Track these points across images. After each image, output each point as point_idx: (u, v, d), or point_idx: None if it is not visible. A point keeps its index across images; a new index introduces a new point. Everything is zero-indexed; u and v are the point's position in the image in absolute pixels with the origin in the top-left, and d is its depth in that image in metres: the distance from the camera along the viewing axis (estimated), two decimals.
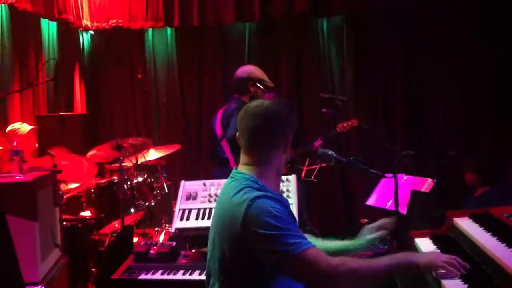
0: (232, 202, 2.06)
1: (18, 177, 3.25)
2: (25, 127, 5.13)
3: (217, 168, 4.55)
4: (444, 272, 2.03)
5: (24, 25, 5.95)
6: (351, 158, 2.68)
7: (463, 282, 1.99)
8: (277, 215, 1.97)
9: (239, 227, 1.99)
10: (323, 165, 5.60)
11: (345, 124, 5.51)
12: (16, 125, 5.15)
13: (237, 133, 2.22)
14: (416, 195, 4.12)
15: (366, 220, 5.57)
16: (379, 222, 2.51)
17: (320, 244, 2.45)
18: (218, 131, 4.51)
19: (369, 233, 2.50)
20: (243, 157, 2.21)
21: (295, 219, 2.13)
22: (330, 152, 2.60)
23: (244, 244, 1.99)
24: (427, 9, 6.29)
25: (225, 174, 4.12)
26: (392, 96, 6.72)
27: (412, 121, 6.65)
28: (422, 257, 2.03)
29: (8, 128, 5.13)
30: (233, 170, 2.24)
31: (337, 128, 5.53)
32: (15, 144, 3.41)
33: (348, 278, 1.94)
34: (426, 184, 4.34)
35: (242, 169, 2.18)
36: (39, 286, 3.13)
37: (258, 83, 4.43)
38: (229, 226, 2.04)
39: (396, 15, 6.47)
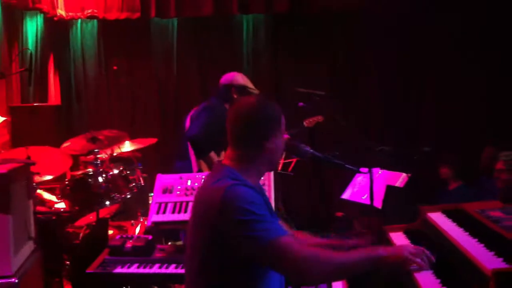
0: (210, 191, 2.08)
1: None
2: None
3: (180, 161, 4.56)
4: (415, 267, 2.07)
5: None
6: (327, 153, 2.70)
7: (435, 276, 2.03)
8: (253, 201, 1.99)
9: (215, 213, 2.00)
10: (298, 158, 5.64)
11: (311, 120, 5.59)
12: None
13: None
14: (391, 190, 4.17)
15: (341, 213, 5.65)
16: None
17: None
18: (187, 124, 4.54)
19: None
20: (228, 151, 2.22)
21: (272, 210, 2.14)
22: (306, 148, 2.62)
23: (219, 231, 2.00)
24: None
25: (187, 169, 4.17)
26: (369, 92, 6.79)
27: (388, 117, 6.72)
28: (390, 251, 2.06)
29: None
30: (216, 163, 2.26)
31: (304, 123, 5.59)
32: None
33: (319, 268, 1.97)
34: (401, 179, 4.41)
35: (226, 162, 2.20)
36: (13, 279, 3.09)
37: (241, 90, 4.44)
38: (206, 214, 2.06)
39: (370, 13, 6.53)
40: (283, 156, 5.78)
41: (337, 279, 2.46)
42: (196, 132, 4.30)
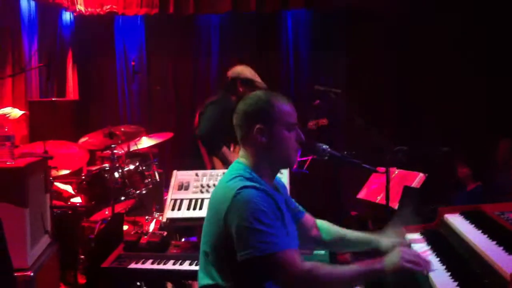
0: (223, 190, 2.07)
1: (9, 163, 3.23)
2: (16, 112, 5.08)
3: (192, 159, 4.55)
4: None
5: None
6: (345, 153, 2.68)
7: (453, 280, 2.00)
8: (261, 209, 1.96)
9: (224, 214, 2.00)
10: (315, 157, 5.61)
11: (315, 122, 5.58)
12: (6, 110, 5.09)
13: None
14: (408, 190, 4.14)
15: (356, 213, 5.62)
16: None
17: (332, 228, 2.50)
18: (196, 120, 4.53)
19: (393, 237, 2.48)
20: (241, 149, 2.21)
21: (282, 214, 2.10)
22: (324, 147, 2.61)
23: (225, 232, 2.00)
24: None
25: (200, 167, 4.14)
26: (386, 92, 6.75)
27: (405, 117, 6.68)
28: (387, 263, 2.02)
29: None
30: (235, 160, 2.24)
31: (308, 126, 5.58)
32: (6, 129, 3.38)
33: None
34: (417, 179, 4.37)
35: (240, 160, 2.19)
36: (29, 272, 3.12)
37: (248, 83, 4.41)
38: (216, 212, 2.05)
39: (392, 13, 6.49)
40: (298, 154, 5.77)
41: None
42: (204, 131, 4.27)
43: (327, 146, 2.62)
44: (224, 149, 4.25)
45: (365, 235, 2.51)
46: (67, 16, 6.66)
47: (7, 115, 5.01)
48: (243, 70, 4.50)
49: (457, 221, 2.59)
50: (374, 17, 6.56)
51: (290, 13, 6.91)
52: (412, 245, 2.56)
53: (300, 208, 2.50)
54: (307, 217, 2.50)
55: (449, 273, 2.05)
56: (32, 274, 3.13)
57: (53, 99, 6.09)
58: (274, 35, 6.99)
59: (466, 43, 6.39)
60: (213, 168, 4.29)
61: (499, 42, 6.22)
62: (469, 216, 2.61)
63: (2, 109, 5.14)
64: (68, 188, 5.15)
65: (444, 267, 2.13)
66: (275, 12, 6.75)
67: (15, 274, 2.96)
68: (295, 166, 2.30)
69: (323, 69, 6.79)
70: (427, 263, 2.07)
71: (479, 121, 6.35)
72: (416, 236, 2.70)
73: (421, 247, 2.49)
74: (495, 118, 6.24)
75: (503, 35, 6.18)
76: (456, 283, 1.97)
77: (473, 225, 2.46)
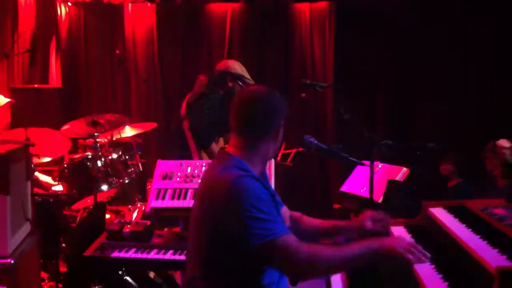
0: (216, 179, 2.06)
1: None
2: (1, 99, 5.00)
3: (179, 150, 4.52)
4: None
5: None
6: (332, 146, 2.68)
7: (437, 272, 2.01)
8: (259, 197, 1.98)
9: (221, 205, 1.99)
10: (299, 149, 5.61)
11: None
12: None
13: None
14: (392, 184, 4.16)
15: (339, 205, 5.64)
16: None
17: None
18: (183, 110, 4.50)
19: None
20: (233, 139, 2.20)
21: (277, 202, 2.13)
22: (311, 139, 2.60)
23: (223, 223, 2.00)
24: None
25: (186, 157, 4.13)
26: (375, 88, 6.79)
27: (394, 114, 6.74)
28: (384, 244, 2.03)
29: None
30: (219, 151, 2.25)
31: None
32: None
33: (318, 267, 1.99)
34: (401, 173, 4.39)
35: (230, 150, 2.18)
36: (9, 260, 3.07)
37: (237, 79, 4.39)
38: (211, 203, 2.05)
39: (385, 11, 6.53)
40: (282, 147, 5.76)
41: (335, 273, 2.48)
42: (199, 126, 4.27)
43: (314, 139, 2.61)
44: (213, 145, 4.28)
45: (338, 222, 2.53)
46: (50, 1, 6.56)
47: None
48: (234, 65, 4.49)
49: (441, 215, 2.61)
50: (366, 13, 6.58)
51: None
52: None
53: (279, 199, 2.51)
54: (284, 209, 2.51)
55: (433, 266, 2.07)
56: (12, 261, 3.07)
57: (36, 86, 6.00)
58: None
59: (455, 43, 6.45)
60: (200, 159, 4.28)
61: (489, 41, 6.31)
62: (453, 210, 2.64)
63: None
64: (49, 180, 5.09)
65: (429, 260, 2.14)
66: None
67: None
68: (278, 159, 2.32)
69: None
70: (425, 256, 2.04)
71: (466, 120, 6.43)
72: (400, 229, 2.71)
73: None
74: (483, 117, 6.35)
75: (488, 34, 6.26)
76: (440, 275, 1.98)
77: (457, 219, 2.48)
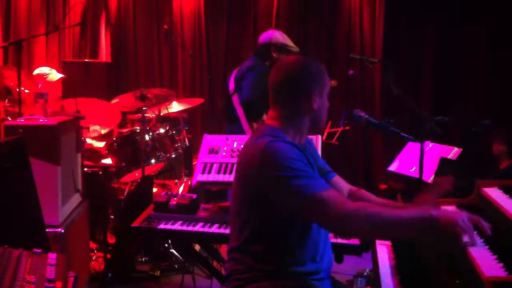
0: (250, 149, 2.06)
1: (42, 120, 3.23)
2: (54, 74, 5.08)
3: (230, 125, 4.51)
4: (467, 240, 1.95)
5: None
6: (382, 120, 2.61)
7: (491, 252, 1.93)
8: (291, 157, 1.95)
9: (255, 170, 1.98)
10: (346, 128, 5.53)
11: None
12: (45, 70, 5.09)
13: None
14: (445, 162, 4.04)
15: (385, 186, 5.53)
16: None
17: None
18: (231, 86, 4.47)
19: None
20: (270, 111, 2.18)
21: (312, 166, 2.06)
22: (361, 114, 2.54)
23: (260, 188, 1.99)
24: None
25: (237, 132, 4.12)
26: (423, 64, 6.61)
27: (443, 89, 6.54)
28: (443, 213, 1.91)
29: (36, 72, 5.08)
30: (259, 123, 2.24)
31: None
32: (40, 86, 3.39)
33: (366, 223, 1.88)
34: (453, 152, 4.25)
35: (268, 122, 2.17)
36: (59, 229, 3.15)
37: (281, 49, 4.32)
38: (246, 171, 2.05)
39: None
40: (328, 126, 5.68)
41: (384, 236, 2.37)
42: (248, 97, 4.24)
43: (364, 113, 2.55)
44: (265, 116, 4.25)
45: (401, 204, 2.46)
46: None
47: (45, 76, 5.01)
48: (276, 35, 4.42)
49: (495, 195, 2.51)
50: None
51: None
52: None
53: (329, 169, 2.45)
54: (341, 181, 2.44)
55: (487, 246, 1.99)
56: (62, 231, 3.16)
57: (86, 60, 6.10)
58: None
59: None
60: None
61: None
62: (509, 190, 2.53)
63: (40, 68, 5.15)
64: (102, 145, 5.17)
65: (482, 240, 2.06)
66: None
67: (47, 230, 2.98)
68: (324, 138, 2.28)
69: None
70: (485, 231, 1.93)
71: None
72: (452, 209, 2.62)
73: None
74: None
75: None
76: (495, 257, 1.90)
77: None
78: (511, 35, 6.17)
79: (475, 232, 1.95)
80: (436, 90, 6.61)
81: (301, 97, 2.10)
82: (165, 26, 6.15)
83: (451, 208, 2.63)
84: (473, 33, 6.41)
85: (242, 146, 3.41)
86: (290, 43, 4.40)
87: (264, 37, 4.45)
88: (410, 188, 4.68)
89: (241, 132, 4.29)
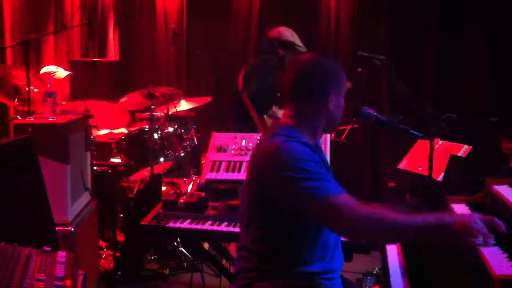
0: (263, 148, 2.05)
1: (51, 119, 3.25)
2: (61, 72, 5.10)
3: (238, 124, 4.52)
4: (480, 241, 1.94)
5: None
6: (391, 118, 2.60)
7: (502, 250, 1.92)
8: (303, 158, 1.93)
9: (266, 170, 1.98)
10: (354, 126, 5.51)
11: None
12: (52, 68, 5.11)
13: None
14: (454, 159, 4.01)
15: (394, 184, 5.51)
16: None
17: None
18: (240, 82, 4.47)
19: None
20: (284, 109, 2.17)
21: (328, 167, 2.06)
22: (370, 111, 2.52)
23: (270, 188, 1.97)
24: None
25: (246, 131, 4.13)
26: (426, 60, 6.58)
27: (446, 87, 6.51)
28: (457, 218, 1.93)
29: (43, 70, 5.09)
30: (273, 122, 2.22)
31: None
32: (49, 85, 3.40)
33: (379, 229, 1.88)
34: (463, 150, 4.23)
35: (283, 120, 2.15)
36: (69, 227, 3.17)
37: (288, 46, 4.30)
38: (258, 170, 2.04)
39: None
40: None
41: (396, 241, 2.37)
42: (256, 89, 4.25)
43: (373, 110, 2.53)
44: (275, 108, 4.27)
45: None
46: None
47: (52, 74, 5.03)
48: (283, 32, 4.39)
49: (506, 192, 2.49)
50: None
51: None
52: None
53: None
54: None
55: (498, 245, 1.97)
56: (72, 229, 3.17)
57: (94, 59, 6.11)
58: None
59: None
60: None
61: None
62: None
63: (47, 67, 5.17)
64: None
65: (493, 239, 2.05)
66: None
67: (56, 229, 3.00)
68: (333, 136, 2.27)
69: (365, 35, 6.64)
70: (501, 231, 1.94)
71: None
72: (462, 206, 2.61)
73: None
74: None
75: None
76: (506, 255, 1.89)
77: None
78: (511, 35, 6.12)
79: (490, 234, 1.93)
80: (437, 90, 6.56)
81: (318, 96, 2.08)
82: (173, 25, 6.14)
83: (461, 206, 2.62)
84: (473, 33, 6.37)
85: (250, 144, 3.45)
86: (298, 41, 4.37)
87: (273, 32, 4.43)
88: (418, 186, 4.66)
89: (250, 130, 4.29)
